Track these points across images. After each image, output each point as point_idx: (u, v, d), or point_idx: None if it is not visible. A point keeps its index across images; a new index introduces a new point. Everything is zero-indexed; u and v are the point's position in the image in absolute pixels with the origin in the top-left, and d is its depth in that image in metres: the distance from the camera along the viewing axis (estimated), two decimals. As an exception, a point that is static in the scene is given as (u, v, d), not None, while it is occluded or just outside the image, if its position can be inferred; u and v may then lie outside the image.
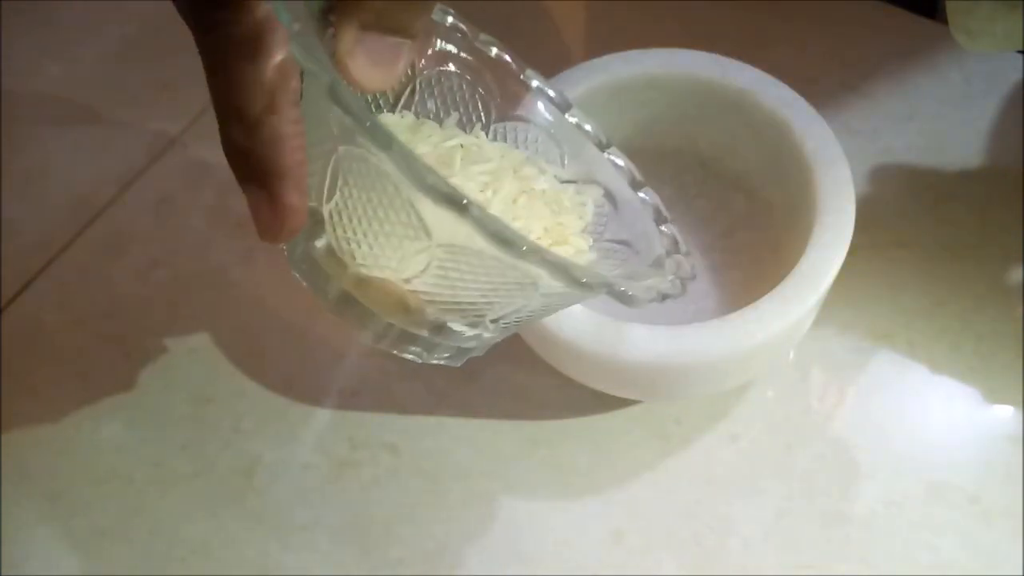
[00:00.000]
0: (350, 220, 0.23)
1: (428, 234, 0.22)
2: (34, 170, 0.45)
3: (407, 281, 0.24)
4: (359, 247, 0.24)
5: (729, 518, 0.33)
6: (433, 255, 0.23)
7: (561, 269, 0.21)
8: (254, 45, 0.21)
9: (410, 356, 0.26)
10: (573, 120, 0.30)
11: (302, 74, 0.22)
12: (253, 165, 0.22)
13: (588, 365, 0.32)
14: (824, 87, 0.42)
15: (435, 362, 0.26)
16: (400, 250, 0.23)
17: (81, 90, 0.48)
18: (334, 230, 0.24)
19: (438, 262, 0.23)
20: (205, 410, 0.38)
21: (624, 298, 0.24)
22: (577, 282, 0.22)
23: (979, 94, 0.41)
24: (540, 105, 0.30)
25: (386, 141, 0.20)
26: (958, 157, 0.40)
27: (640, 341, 0.30)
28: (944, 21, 0.32)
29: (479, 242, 0.21)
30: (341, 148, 0.22)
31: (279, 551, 0.34)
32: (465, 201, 0.20)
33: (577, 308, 0.30)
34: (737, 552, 0.33)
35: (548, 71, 0.35)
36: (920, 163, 0.40)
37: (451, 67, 0.29)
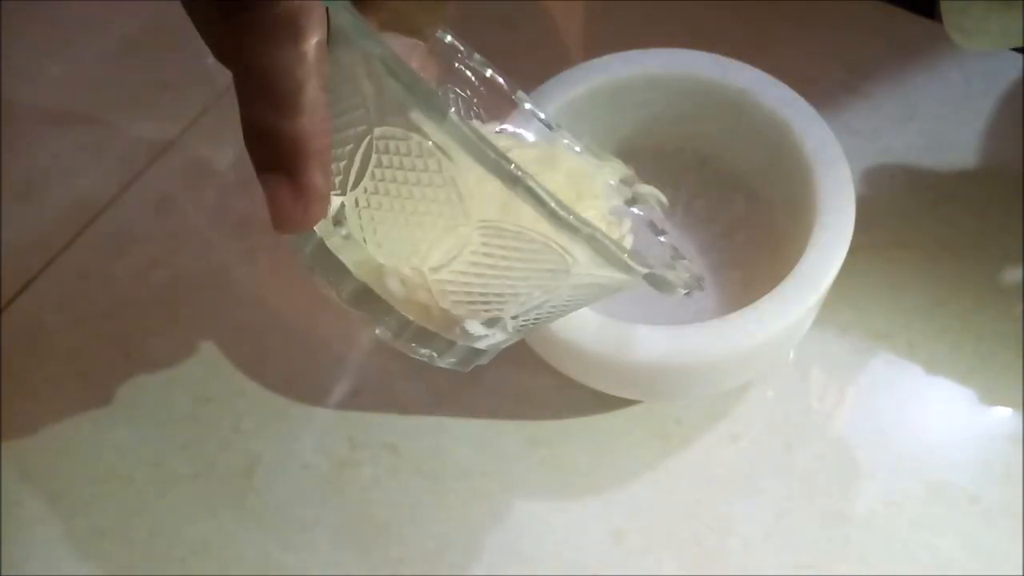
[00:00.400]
0: (379, 207, 0.23)
1: (466, 214, 0.22)
2: (34, 170, 0.45)
3: (434, 270, 0.23)
4: (386, 235, 0.23)
5: (729, 518, 0.33)
6: (466, 240, 0.22)
7: (605, 247, 0.21)
8: (294, 25, 0.21)
9: (421, 357, 0.26)
10: (564, 141, 0.30)
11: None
12: (281, 148, 0.21)
13: (588, 365, 0.32)
14: (824, 87, 0.42)
15: (443, 366, 0.26)
16: (433, 233, 0.23)
17: (81, 90, 0.48)
18: (359, 218, 0.23)
19: (471, 248, 0.23)
20: (205, 410, 0.38)
21: (662, 283, 0.24)
22: (619, 261, 0.22)
23: (979, 94, 0.41)
24: (532, 125, 0.30)
25: (441, 110, 0.20)
26: (958, 157, 0.40)
27: (641, 341, 0.30)
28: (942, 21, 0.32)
29: (525, 216, 0.21)
30: (377, 130, 0.22)
31: (279, 551, 0.34)
32: (515, 167, 0.20)
33: (578, 308, 0.30)
34: (737, 552, 0.33)
35: (548, 71, 0.35)
36: (920, 163, 0.40)
37: (448, 83, 0.29)
